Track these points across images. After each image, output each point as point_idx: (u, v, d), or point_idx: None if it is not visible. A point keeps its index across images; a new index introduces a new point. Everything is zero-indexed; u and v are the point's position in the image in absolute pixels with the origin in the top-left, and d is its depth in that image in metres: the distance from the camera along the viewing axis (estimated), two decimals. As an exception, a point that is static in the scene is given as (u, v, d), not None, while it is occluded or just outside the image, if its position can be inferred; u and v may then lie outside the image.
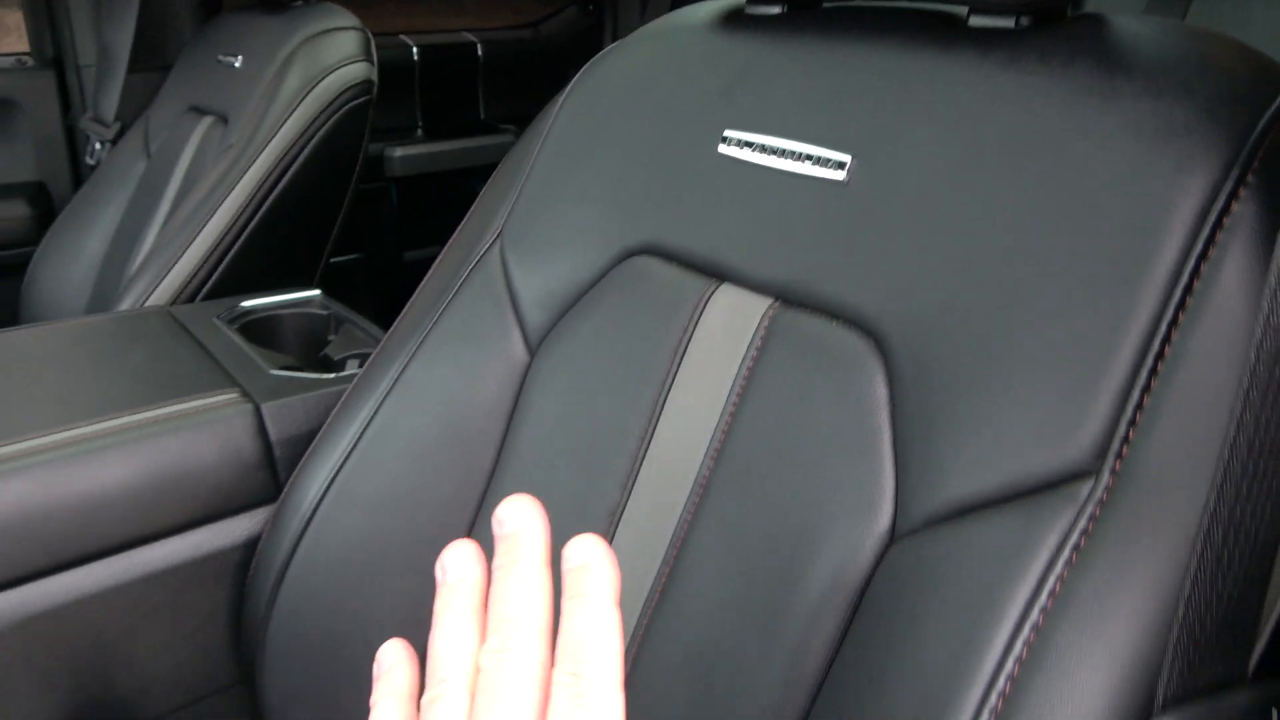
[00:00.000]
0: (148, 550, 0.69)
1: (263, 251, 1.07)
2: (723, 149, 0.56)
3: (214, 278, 1.03)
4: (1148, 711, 0.29)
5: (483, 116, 2.04)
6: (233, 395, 0.75)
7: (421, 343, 0.67)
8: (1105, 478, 0.36)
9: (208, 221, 1.03)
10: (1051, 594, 0.35)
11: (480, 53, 1.99)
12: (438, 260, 0.74)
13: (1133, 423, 0.36)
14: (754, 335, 0.52)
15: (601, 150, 0.64)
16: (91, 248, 1.35)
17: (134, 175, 1.37)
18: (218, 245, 1.03)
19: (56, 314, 1.34)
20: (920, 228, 0.45)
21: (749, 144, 0.55)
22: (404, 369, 0.67)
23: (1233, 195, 0.36)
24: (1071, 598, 0.35)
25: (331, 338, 0.97)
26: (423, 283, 0.73)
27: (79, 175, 1.56)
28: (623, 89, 0.65)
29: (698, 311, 0.55)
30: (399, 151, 1.81)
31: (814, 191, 0.51)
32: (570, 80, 0.71)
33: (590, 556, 0.25)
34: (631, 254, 0.60)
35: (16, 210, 1.47)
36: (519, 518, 0.25)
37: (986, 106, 0.44)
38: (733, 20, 0.61)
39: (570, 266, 0.63)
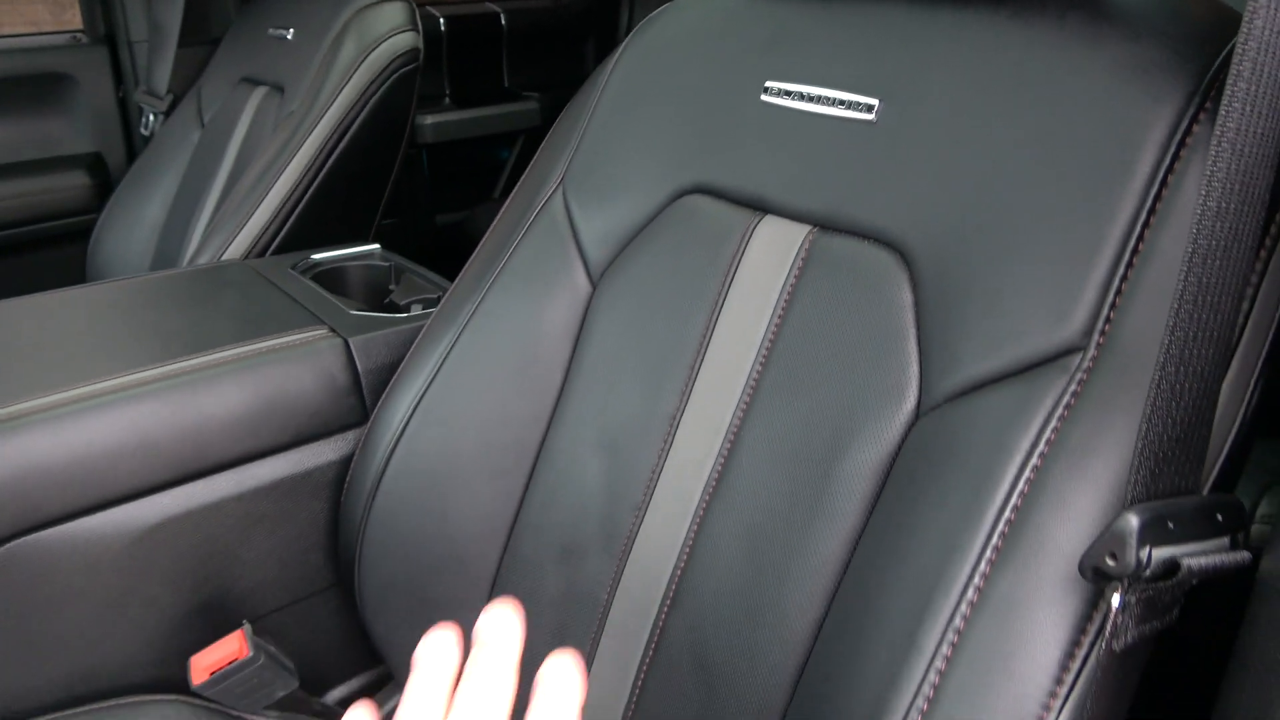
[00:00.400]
0: (255, 467, 0.79)
1: (323, 210, 1.16)
2: (765, 98, 0.65)
3: (281, 234, 1.12)
4: (1120, 508, 0.38)
5: (506, 84, 2.12)
6: (323, 331, 0.84)
7: (494, 280, 0.76)
8: (1091, 350, 0.45)
9: (275, 183, 1.11)
10: (1048, 442, 0.44)
11: (504, 23, 2.07)
12: (504, 208, 0.82)
13: (1113, 306, 0.45)
14: (795, 258, 0.61)
15: (654, 102, 0.72)
16: (152, 213, 1.44)
17: (189, 144, 1.45)
18: (285, 204, 1.11)
19: (122, 273, 1.43)
20: (940, 157, 0.54)
21: (788, 92, 0.63)
22: (479, 303, 0.76)
23: (1194, 119, 0.45)
24: (1063, 443, 0.44)
25: (392, 287, 1.06)
26: (490, 228, 0.82)
27: (132, 146, 1.65)
28: (672, 47, 0.73)
29: (744, 240, 0.64)
30: (430, 119, 1.89)
31: (847, 131, 0.59)
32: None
33: (561, 674, 0.27)
34: (683, 193, 0.69)
35: (77, 180, 1.56)
36: (497, 630, 0.27)
37: (996, 53, 0.53)
38: (770, -16, 0.69)
39: (628, 207, 0.71)
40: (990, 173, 0.51)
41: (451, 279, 1.07)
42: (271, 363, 0.79)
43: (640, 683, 0.63)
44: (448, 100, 2.00)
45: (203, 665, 0.69)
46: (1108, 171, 0.46)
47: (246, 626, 0.71)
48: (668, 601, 0.62)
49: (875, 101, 0.58)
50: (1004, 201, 0.50)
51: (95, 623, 0.73)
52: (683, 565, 0.62)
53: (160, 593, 0.75)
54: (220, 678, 0.70)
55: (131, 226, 1.45)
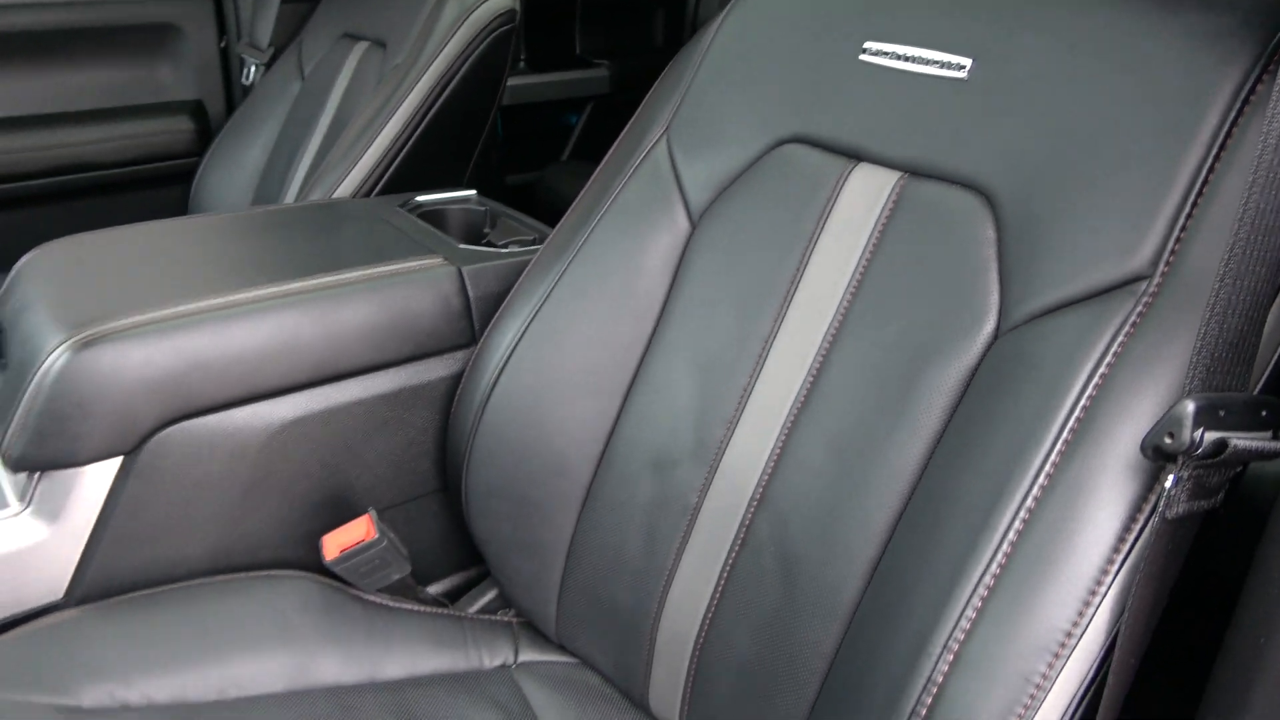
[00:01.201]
0: (378, 376, 0.88)
1: (423, 157, 1.24)
2: (863, 57, 0.72)
3: (385, 178, 1.21)
4: (1177, 399, 0.46)
5: (578, 52, 2.19)
6: (438, 259, 0.92)
7: (600, 217, 0.84)
8: (1156, 278, 0.52)
9: (381, 130, 1.20)
10: (1114, 354, 0.52)
11: (578, -8, 2.14)
12: (607, 156, 0.90)
13: (1178, 239, 0.52)
14: (885, 201, 0.68)
15: (757, 59, 0.80)
16: (252, 158, 1.54)
17: (289, 95, 1.55)
18: (390, 150, 1.20)
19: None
20: (1026, 110, 0.61)
21: (886, 52, 0.70)
22: (586, 238, 0.84)
23: (1258, 81, 0.52)
24: (1128, 355, 0.51)
25: (487, 230, 1.15)
26: (595, 172, 0.89)
27: (231, 95, 1.75)
28: (775, 8, 0.80)
29: (839, 185, 0.72)
30: (507, 82, 1.96)
31: (940, 87, 0.66)
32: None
33: None
34: (782, 142, 0.76)
35: (181, 125, 1.67)
36: None
37: (1080, 18, 0.60)
38: (872, -46, 0.76)
39: (730, 153, 0.79)
40: (1072, 125, 0.58)
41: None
42: (394, 284, 0.88)
43: (725, 576, 0.71)
44: (523, 65, 2.08)
45: (335, 543, 0.79)
46: (1179, 125, 0.53)
47: (372, 512, 0.80)
48: (754, 503, 0.70)
49: (968, 61, 0.65)
50: (1083, 150, 0.57)
51: (237, 504, 0.83)
52: (770, 470, 0.70)
53: (293, 481, 0.85)
54: (348, 556, 0.79)
55: (233, 170, 1.54)
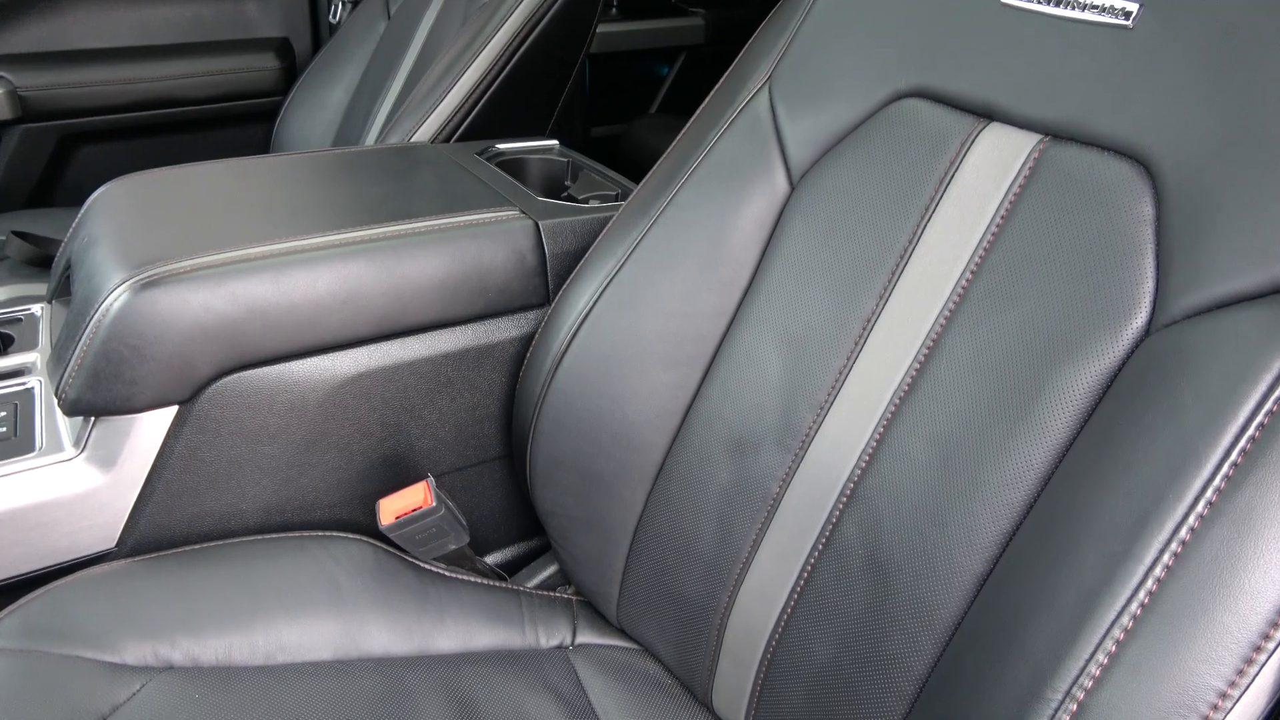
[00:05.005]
0: (445, 334, 0.83)
1: (506, 103, 1.18)
2: (1007, 0, 0.62)
3: (466, 123, 1.15)
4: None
5: None
6: (515, 212, 0.86)
7: (690, 175, 0.77)
8: (1363, 274, 0.43)
9: (464, 73, 1.14)
10: (1303, 363, 0.43)
11: (677, -65, 2.04)
12: (701, 106, 0.83)
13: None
14: (1021, 167, 0.60)
15: (878, 3, 0.71)
16: (336, 97, 1.50)
17: (374, 35, 1.50)
18: (472, 94, 1.14)
19: (304, 156, 1.50)
20: (1201, 66, 0.51)
21: (1032, -4, 0.61)
22: (672, 197, 0.77)
23: None
24: (1322, 366, 0.42)
25: (568, 183, 1.08)
26: (687, 125, 0.82)
27: (318, 33, 1.71)
28: (902, -53, 0.71)
29: (965, 147, 0.63)
30: (597, 29, 1.89)
31: (1097, 37, 0.57)
32: None
33: None
34: (902, 96, 0.67)
35: (267, 62, 1.64)
36: None
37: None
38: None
39: (841, 108, 0.70)
40: (1258, 87, 0.49)
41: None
42: (467, 236, 0.82)
43: (806, 576, 0.64)
44: (614, 11, 1.99)
45: (391, 509, 0.74)
46: None
47: (430, 479, 0.75)
48: (843, 499, 0.63)
49: (1135, 6, 0.55)
50: (1272, 117, 0.48)
51: (293, 460, 0.79)
52: (864, 465, 0.62)
53: (351, 439, 0.81)
54: (405, 523, 0.75)
55: (315, 110, 1.51)
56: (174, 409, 0.74)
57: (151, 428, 0.73)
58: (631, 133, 1.97)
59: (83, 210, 0.87)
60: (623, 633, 0.80)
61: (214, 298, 0.72)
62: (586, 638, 0.79)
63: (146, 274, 0.72)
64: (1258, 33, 0.50)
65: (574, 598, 0.83)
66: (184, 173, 0.92)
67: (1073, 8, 0.58)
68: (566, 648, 0.79)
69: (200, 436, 0.75)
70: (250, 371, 0.75)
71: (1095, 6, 0.57)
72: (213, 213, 0.83)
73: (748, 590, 0.68)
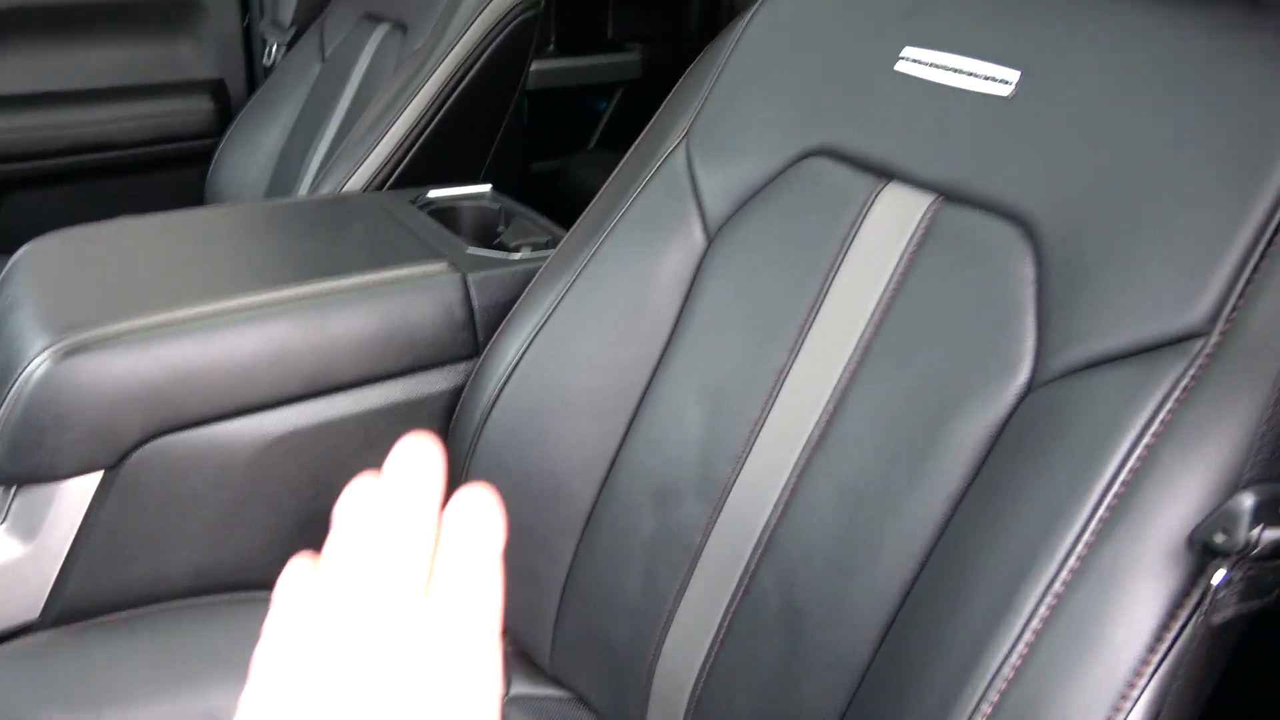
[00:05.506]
0: (374, 389, 0.84)
1: (439, 149, 1.20)
2: (899, 67, 0.66)
3: (399, 169, 1.17)
4: (1232, 491, 0.40)
5: (610, 34, 2.13)
6: (443, 266, 0.88)
7: (612, 228, 0.79)
8: (1215, 337, 0.46)
9: (397, 119, 1.15)
10: (1163, 422, 0.46)
11: (613, -29, 2.07)
12: (623, 160, 0.85)
13: (1242, 295, 0.46)
14: (916, 226, 0.62)
15: (785, 63, 0.74)
16: (270, 140, 1.50)
17: (310, 76, 1.50)
18: (405, 140, 1.16)
19: (239, 198, 1.50)
20: (1077, 134, 0.54)
21: (925, 62, 0.64)
22: (596, 250, 0.79)
23: (1347, 116, 0.45)
24: (1178, 425, 0.45)
25: (501, 229, 1.10)
26: (610, 177, 0.84)
27: (253, 75, 1.71)
28: (807, 9, 0.74)
29: (867, 204, 0.66)
30: (533, 66, 1.90)
31: (982, 103, 0.60)
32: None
33: (475, 508, 0.23)
34: (809, 154, 0.70)
35: (201, 104, 1.63)
36: (410, 466, 0.24)
37: (1144, 34, 0.53)
38: (911, -48, 0.70)
39: (752, 164, 0.73)
40: (1126, 154, 0.52)
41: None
42: (394, 292, 0.83)
43: (727, 625, 0.66)
44: (552, 47, 2.02)
45: (321, 567, 0.75)
46: (1250, 164, 0.47)
47: (361, 536, 0.76)
48: (760, 549, 0.65)
49: (1015, 74, 0.58)
50: (1138, 183, 0.51)
51: (223, 521, 0.79)
52: (778, 515, 0.64)
53: (282, 498, 0.81)
54: (335, 580, 0.75)
55: (250, 153, 1.51)
56: (99, 475, 0.74)
57: (75, 495, 0.73)
58: (570, 168, 1.99)
59: (4, 271, 0.86)
60: (557, 682, 0.81)
61: (139, 363, 0.73)
62: (521, 689, 0.80)
63: (68, 340, 0.72)
64: (1125, 100, 0.53)
65: (508, 649, 0.84)
66: (110, 229, 0.92)
67: (960, 75, 0.61)
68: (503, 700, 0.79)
69: (126, 502, 0.75)
70: (177, 434, 0.76)
71: (978, 75, 0.60)
72: (139, 272, 0.83)
73: (673, 639, 0.70)
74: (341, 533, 0.23)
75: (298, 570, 0.24)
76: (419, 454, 0.24)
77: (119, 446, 0.73)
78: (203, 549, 0.79)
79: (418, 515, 0.23)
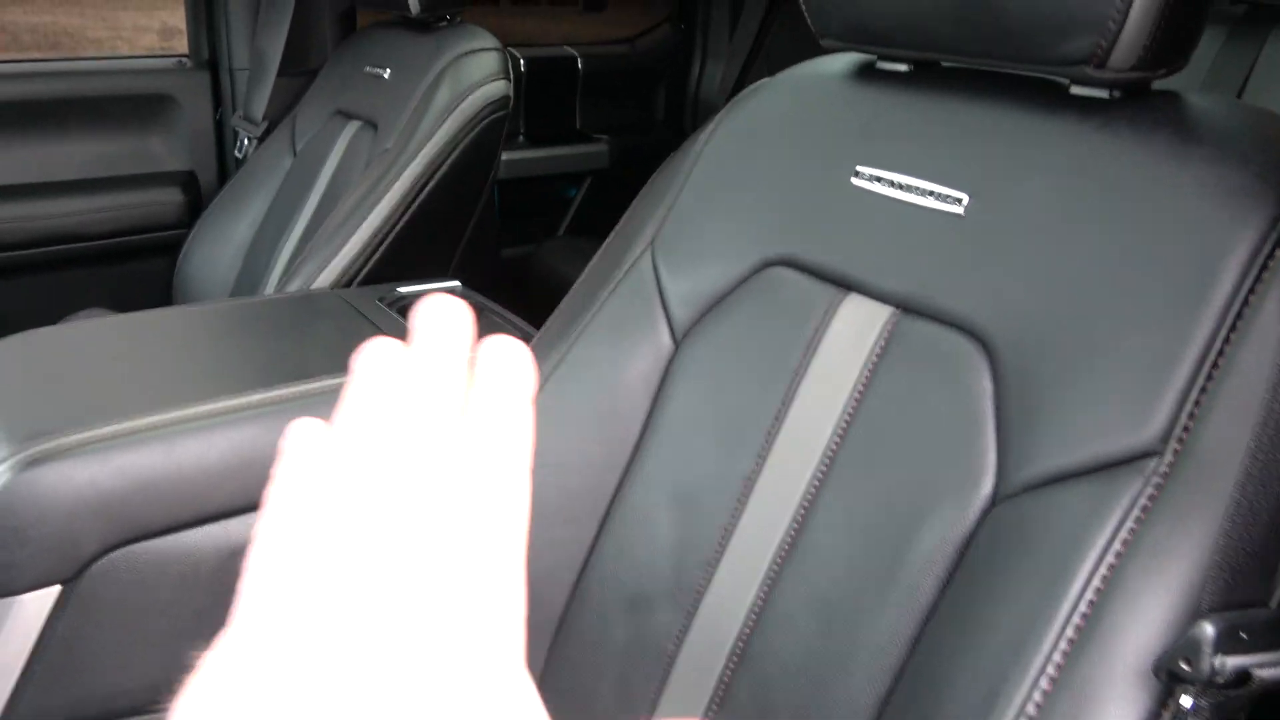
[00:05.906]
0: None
1: (409, 245, 1.21)
2: (855, 181, 0.68)
3: (368, 266, 1.18)
4: (1192, 618, 0.40)
5: (579, 126, 2.18)
6: (412, 368, 0.88)
7: (581, 331, 0.80)
8: (1168, 456, 0.47)
9: (367, 217, 1.17)
10: (1124, 542, 0.46)
11: (580, 66, 2.13)
12: (591, 264, 0.86)
13: (1191, 415, 0.47)
14: (877, 337, 0.64)
15: (745, 176, 0.76)
16: (240, 233, 1.51)
17: (280, 170, 1.52)
18: (375, 238, 1.17)
19: (208, 289, 1.50)
20: (1025, 254, 0.57)
21: (879, 179, 0.66)
22: (566, 353, 0.80)
23: (1276, 244, 0.47)
24: (1139, 544, 0.46)
25: (471, 324, 1.11)
26: (578, 281, 0.85)
27: (224, 168, 1.73)
28: (766, 123, 0.77)
29: (828, 315, 0.67)
30: (504, 156, 1.94)
31: (935, 220, 0.62)
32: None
33: (506, 354, 0.22)
34: (770, 264, 0.72)
35: (172, 196, 1.64)
36: (439, 318, 0.23)
37: (1084, 162, 0.56)
38: (866, 73, 0.73)
39: (716, 272, 0.75)
40: (1074, 275, 0.54)
41: (516, 311, 1.11)
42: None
43: (701, 735, 0.65)
44: (522, 138, 2.06)
45: (284, 681, 0.73)
46: (1190, 287, 0.49)
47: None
48: (734, 660, 0.65)
49: (964, 196, 0.61)
50: (1086, 304, 0.53)
51: (184, 632, 0.77)
52: (751, 626, 0.64)
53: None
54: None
55: (220, 245, 1.52)
56: (57, 588, 0.72)
57: (32, 610, 0.71)
58: (540, 255, 2.02)
59: (-34, 377, 0.86)
60: (527, 792, 0.79)
61: (101, 473, 0.72)
62: (490, 800, 0.78)
63: (28, 451, 0.71)
64: (1069, 226, 0.56)
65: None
66: (73, 331, 0.92)
67: (913, 193, 0.64)
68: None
69: (84, 615, 0.73)
70: (139, 544, 0.74)
71: (932, 193, 0.63)
72: (102, 377, 0.83)
73: (649, 751, 0.68)
74: (364, 377, 0.22)
75: (305, 426, 0.23)
76: (445, 308, 0.23)
77: (78, 558, 0.72)
78: (164, 663, 0.77)
79: (448, 359, 0.22)
